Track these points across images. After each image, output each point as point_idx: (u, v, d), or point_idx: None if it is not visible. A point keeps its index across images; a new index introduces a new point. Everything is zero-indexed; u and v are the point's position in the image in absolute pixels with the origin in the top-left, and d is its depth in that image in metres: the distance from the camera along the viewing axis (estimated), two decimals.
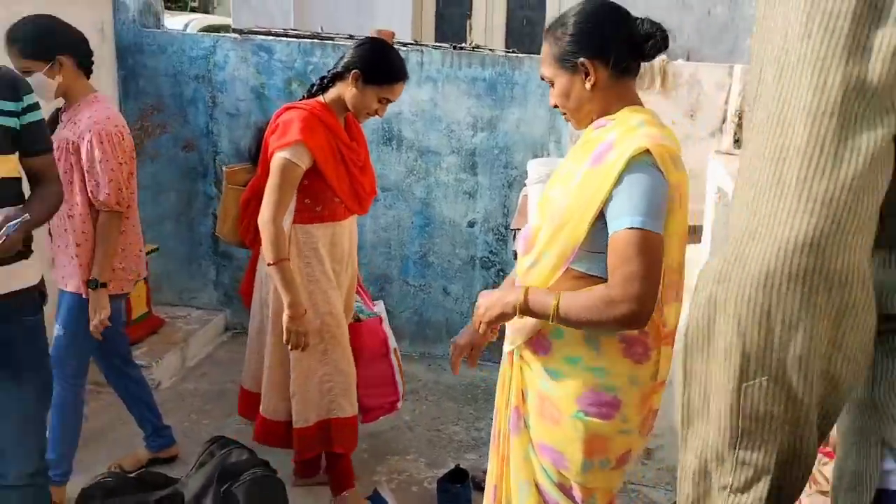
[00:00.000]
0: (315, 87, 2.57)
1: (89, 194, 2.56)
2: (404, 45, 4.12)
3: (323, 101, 2.51)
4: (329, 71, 2.55)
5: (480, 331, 1.74)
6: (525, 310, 1.61)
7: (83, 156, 2.53)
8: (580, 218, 1.55)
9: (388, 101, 2.49)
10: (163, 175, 4.18)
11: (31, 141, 2.04)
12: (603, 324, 1.52)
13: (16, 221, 1.82)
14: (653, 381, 1.67)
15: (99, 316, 2.58)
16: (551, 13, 5.69)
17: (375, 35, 4.12)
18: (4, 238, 1.80)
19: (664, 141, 1.54)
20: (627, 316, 1.48)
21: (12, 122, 1.97)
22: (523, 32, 5.89)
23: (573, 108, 1.66)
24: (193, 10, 14.37)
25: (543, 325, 1.66)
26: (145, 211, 4.23)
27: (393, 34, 4.19)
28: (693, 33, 4.99)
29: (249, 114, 4.06)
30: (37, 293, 2.13)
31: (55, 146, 2.41)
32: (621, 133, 1.56)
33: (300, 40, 4.02)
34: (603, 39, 1.60)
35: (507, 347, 1.80)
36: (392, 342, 2.92)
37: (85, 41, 2.62)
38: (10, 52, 2.46)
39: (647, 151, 1.49)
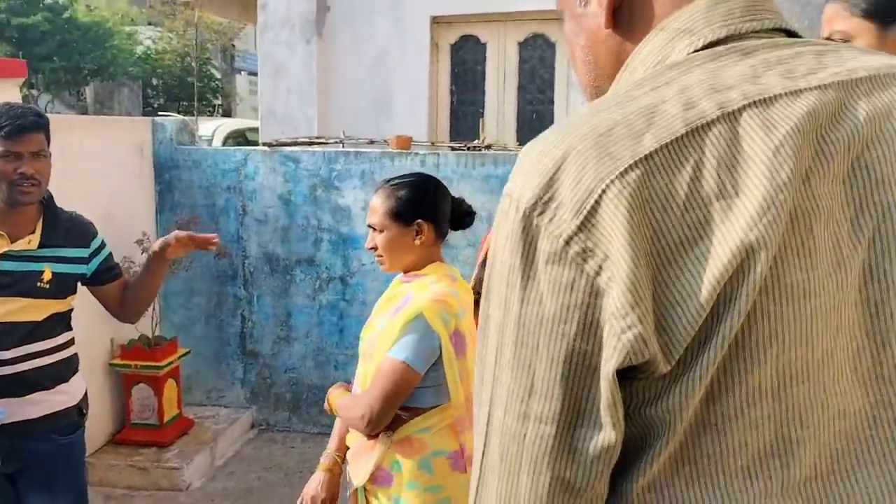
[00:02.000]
0: None
1: None
2: (421, 147, 4.34)
3: None
4: None
5: None
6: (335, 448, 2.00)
7: None
8: (381, 357, 1.84)
9: None
10: (194, 281, 4.37)
11: (105, 272, 2.24)
12: (349, 423, 1.90)
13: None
14: None
15: None
16: (559, 108, 5.96)
17: (395, 141, 4.38)
18: None
19: (446, 298, 1.84)
20: (363, 425, 1.80)
21: (82, 269, 2.16)
22: (533, 126, 6.14)
23: (394, 257, 1.93)
24: (210, 113, 14.93)
25: (382, 461, 1.84)
26: (177, 316, 4.42)
27: (410, 139, 4.45)
28: None
29: (277, 219, 4.27)
30: (75, 411, 2.19)
31: None
32: (417, 291, 1.87)
33: (325, 149, 4.27)
34: (437, 207, 1.94)
35: (352, 486, 1.94)
36: None
37: None
38: None
39: (421, 314, 1.80)
